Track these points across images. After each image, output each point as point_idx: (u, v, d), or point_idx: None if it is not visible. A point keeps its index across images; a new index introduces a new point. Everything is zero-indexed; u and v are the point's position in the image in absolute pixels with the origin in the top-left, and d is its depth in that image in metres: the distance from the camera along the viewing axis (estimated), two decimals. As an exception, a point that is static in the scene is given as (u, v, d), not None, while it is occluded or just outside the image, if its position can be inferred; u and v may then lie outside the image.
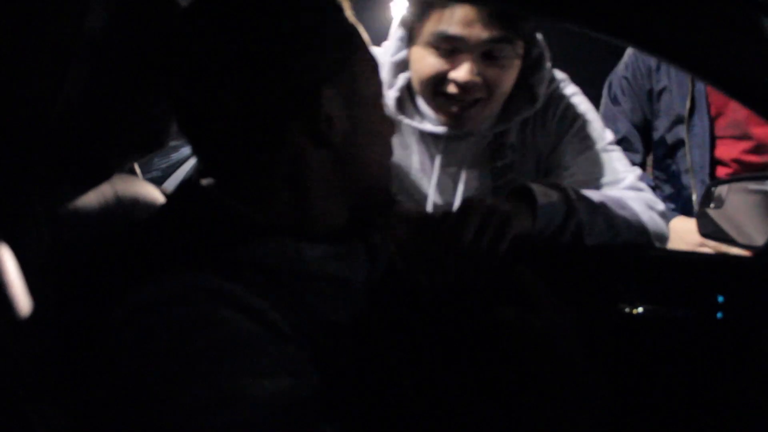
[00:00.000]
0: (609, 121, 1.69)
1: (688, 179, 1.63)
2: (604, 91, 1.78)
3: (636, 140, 1.71)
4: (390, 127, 0.75)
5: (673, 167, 1.69)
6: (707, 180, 1.59)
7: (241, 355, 0.55)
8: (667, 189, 1.73)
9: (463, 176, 1.23)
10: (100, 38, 0.66)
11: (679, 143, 1.63)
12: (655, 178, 1.78)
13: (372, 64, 0.71)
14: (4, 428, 0.52)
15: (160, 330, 0.55)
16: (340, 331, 0.65)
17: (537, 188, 0.98)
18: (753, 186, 1.09)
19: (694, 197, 1.62)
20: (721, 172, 1.61)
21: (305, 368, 0.59)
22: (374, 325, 0.70)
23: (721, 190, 1.11)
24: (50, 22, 0.62)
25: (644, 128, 1.72)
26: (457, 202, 1.23)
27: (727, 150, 1.59)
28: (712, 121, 1.58)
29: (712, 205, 1.11)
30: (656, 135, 1.70)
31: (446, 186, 1.24)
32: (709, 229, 1.09)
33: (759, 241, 1.01)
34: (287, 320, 0.60)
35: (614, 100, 1.74)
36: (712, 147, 1.59)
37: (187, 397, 0.52)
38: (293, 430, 0.54)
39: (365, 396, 0.64)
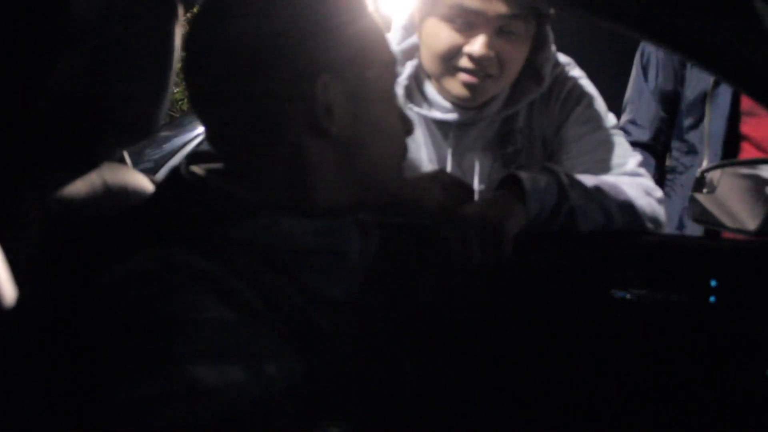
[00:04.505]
0: (635, 93, 1.72)
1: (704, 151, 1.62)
2: (636, 60, 1.76)
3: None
4: (404, 125, 0.73)
5: (695, 139, 1.67)
6: (719, 153, 1.57)
7: (201, 333, 0.54)
8: (687, 161, 1.71)
9: (475, 165, 1.23)
10: (89, 25, 0.65)
11: (704, 115, 1.61)
12: (676, 149, 1.76)
13: (387, 62, 0.70)
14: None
15: (125, 305, 0.55)
16: (335, 308, 0.65)
17: (524, 175, 0.98)
18: (745, 170, 1.09)
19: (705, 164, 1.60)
20: (748, 148, 1.58)
21: (278, 355, 0.58)
22: (371, 302, 0.70)
23: (714, 175, 1.10)
24: (37, 9, 0.62)
25: (672, 101, 1.71)
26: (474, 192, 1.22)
27: (753, 128, 1.57)
28: (738, 95, 1.56)
29: (704, 190, 1.11)
30: (683, 104, 1.69)
31: (461, 176, 1.23)
32: (700, 215, 1.09)
33: (751, 225, 1.01)
34: (265, 300, 0.60)
35: (645, 70, 1.73)
36: (734, 121, 1.57)
37: (136, 378, 0.52)
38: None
39: (360, 375, 0.64)
